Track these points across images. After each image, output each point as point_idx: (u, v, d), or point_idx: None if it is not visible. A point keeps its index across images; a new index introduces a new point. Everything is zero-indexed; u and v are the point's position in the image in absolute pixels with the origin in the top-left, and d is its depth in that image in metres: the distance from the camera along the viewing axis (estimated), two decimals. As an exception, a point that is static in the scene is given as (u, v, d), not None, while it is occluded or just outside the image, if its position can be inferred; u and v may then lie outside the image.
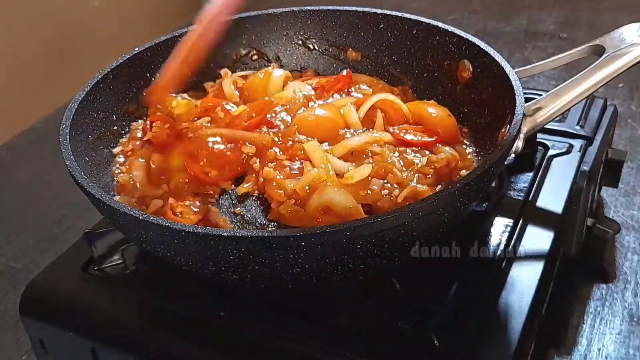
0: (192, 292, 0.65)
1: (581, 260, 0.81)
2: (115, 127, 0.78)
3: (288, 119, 0.76)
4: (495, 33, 1.43)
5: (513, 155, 0.67)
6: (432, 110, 0.76)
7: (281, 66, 0.89)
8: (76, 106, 0.71)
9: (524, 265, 0.66)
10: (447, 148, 0.72)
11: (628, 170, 0.98)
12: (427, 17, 0.82)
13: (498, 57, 0.72)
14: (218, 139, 0.73)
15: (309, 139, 0.71)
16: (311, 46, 0.89)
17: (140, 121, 0.80)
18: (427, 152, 0.71)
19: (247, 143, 0.73)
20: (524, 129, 0.67)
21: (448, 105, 0.79)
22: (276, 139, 0.72)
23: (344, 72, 0.83)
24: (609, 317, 0.77)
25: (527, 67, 0.78)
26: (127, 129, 0.79)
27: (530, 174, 0.76)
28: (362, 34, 0.87)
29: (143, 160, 0.74)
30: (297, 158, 0.70)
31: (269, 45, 0.89)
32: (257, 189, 0.71)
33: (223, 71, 0.86)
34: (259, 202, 0.71)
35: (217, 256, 0.56)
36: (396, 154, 0.69)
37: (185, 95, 0.84)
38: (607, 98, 0.92)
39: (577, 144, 0.80)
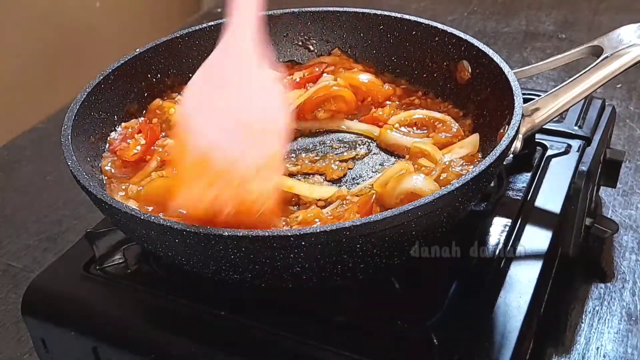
0: (193, 291, 0.65)
1: (579, 260, 0.82)
2: (117, 128, 0.78)
3: None
4: (494, 34, 1.44)
5: (512, 155, 0.67)
6: (364, 77, 0.83)
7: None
8: (78, 107, 0.71)
9: (523, 265, 0.66)
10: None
11: (626, 170, 0.98)
12: (427, 18, 0.82)
13: (497, 58, 0.72)
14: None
15: None
16: (311, 47, 0.89)
17: (132, 121, 0.79)
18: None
19: None
20: (523, 130, 0.67)
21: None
22: None
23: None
24: (607, 316, 0.77)
25: (526, 68, 0.78)
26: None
27: (529, 174, 0.77)
28: (361, 35, 0.87)
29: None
30: None
31: (269, 46, 0.89)
32: None
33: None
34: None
35: (218, 256, 0.56)
36: None
37: (178, 96, 0.84)
38: (606, 98, 0.92)
39: (576, 144, 0.81)
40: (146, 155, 0.75)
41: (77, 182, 0.61)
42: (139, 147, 0.74)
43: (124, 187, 0.70)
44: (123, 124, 0.79)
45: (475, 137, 0.73)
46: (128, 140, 0.76)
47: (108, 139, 0.77)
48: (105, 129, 0.76)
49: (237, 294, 0.65)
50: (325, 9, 0.88)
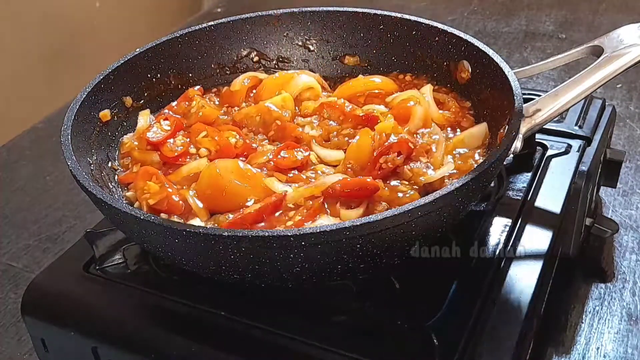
0: (192, 291, 0.66)
1: (580, 260, 0.82)
2: (119, 128, 0.78)
3: None
4: (495, 34, 1.44)
5: (512, 155, 0.67)
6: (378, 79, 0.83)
7: (280, 67, 0.90)
8: (77, 106, 0.71)
9: (523, 265, 0.66)
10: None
11: (626, 170, 0.98)
12: (427, 17, 0.82)
13: (497, 58, 0.72)
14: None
15: None
16: (311, 47, 0.89)
17: (129, 134, 0.79)
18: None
19: None
20: (523, 130, 0.67)
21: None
22: None
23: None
24: (607, 316, 0.77)
25: (526, 68, 0.78)
26: (129, 129, 0.79)
27: (529, 174, 0.77)
28: (361, 35, 0.87)
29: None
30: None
31: (270, 46, 0.89)
32: None
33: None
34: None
35: (217, 256, 0.56)
36: None
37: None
38: (606, 98, 0.92)
39: (576, 144, 0.81)
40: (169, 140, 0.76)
41: (77, 182, 0.61)
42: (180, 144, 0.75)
43: None
44: (122, 139, 0.78)
45: (482, 127, 0.73)
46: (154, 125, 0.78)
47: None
48: (105, 128, 0.76)
49: (237, 294, 0.65)
50: (325, 9, 0.88)
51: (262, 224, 0.63)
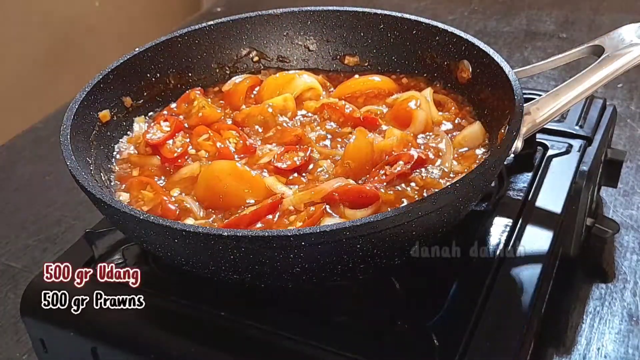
0: (192, 291, 0.65)
1: (580, 260, 0.82)
2: (118, 128, 0.78)
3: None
4: (495, 33, 1.44)
5: (512, 155, 0.67)
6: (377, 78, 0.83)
7: (279, 67, 0.90)
8: (77, 106, 0.71)
9: (524, 265, 0.66)
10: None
11: (627, 170, 0.98)
12: (427, 17, 0.82)
13: (497, 58, 0.72)
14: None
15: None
16: (311, 47, 0.89)
17: (125, 136, 0.79)
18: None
19: None
20: (524, 129, 0.67)
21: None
22: None
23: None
24: (608, 316, 0.77)
25: (527, 67, 0.78)
26: (128, 129, 0.79)
27: (530, 174, 0.77)
28: (361, 34, 0.87)
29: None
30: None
31: (270, 46, 0.89)
32: None
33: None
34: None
35: (217, 256, 0.56)
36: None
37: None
38: (607, 98, 0.92)
39: (577, 144, 0.81)
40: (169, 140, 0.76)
41: (76, 182, 0.61)
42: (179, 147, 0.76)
43: None
44: (120, 141, 0.79)
45: (475, 126, 0.73)
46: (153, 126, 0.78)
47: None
48: (105, 128, 0.76)
49: (237, 294, 0.64)
50: (325, 8, 0.88)
51: (260, 224, 0.63)
